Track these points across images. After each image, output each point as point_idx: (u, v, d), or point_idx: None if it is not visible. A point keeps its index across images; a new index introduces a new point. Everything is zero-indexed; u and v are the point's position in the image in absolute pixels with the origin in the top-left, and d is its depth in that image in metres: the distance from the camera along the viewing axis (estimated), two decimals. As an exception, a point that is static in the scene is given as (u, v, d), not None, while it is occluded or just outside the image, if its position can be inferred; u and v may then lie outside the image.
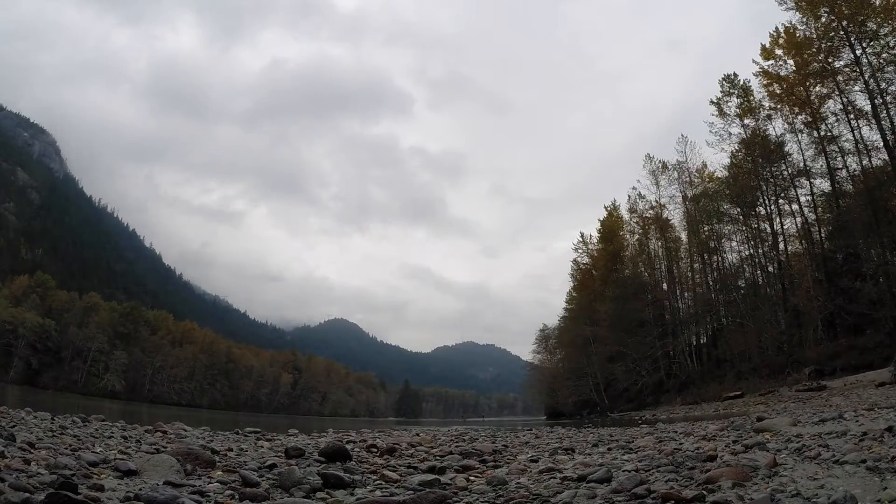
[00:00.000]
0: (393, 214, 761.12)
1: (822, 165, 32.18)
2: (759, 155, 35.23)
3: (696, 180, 44.12)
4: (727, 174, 38.68)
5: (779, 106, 34.53)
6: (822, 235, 32.97)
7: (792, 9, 31.06)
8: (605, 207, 56.03)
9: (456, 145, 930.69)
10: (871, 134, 29.10)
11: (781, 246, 35.71)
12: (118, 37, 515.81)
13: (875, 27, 27.84)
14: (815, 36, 31.00)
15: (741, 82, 37.08)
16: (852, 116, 29.93)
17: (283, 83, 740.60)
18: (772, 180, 35.29)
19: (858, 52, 28.50)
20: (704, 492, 2.91)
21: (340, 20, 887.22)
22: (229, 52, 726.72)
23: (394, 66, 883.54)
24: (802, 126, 33.21)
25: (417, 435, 9.76)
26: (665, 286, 48.18)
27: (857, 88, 29.33)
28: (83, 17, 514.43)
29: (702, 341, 42.82)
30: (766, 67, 34.17)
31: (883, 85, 27.60)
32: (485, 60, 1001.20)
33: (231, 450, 5.74)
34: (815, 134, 32.11)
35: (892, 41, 27.26)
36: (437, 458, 5.69)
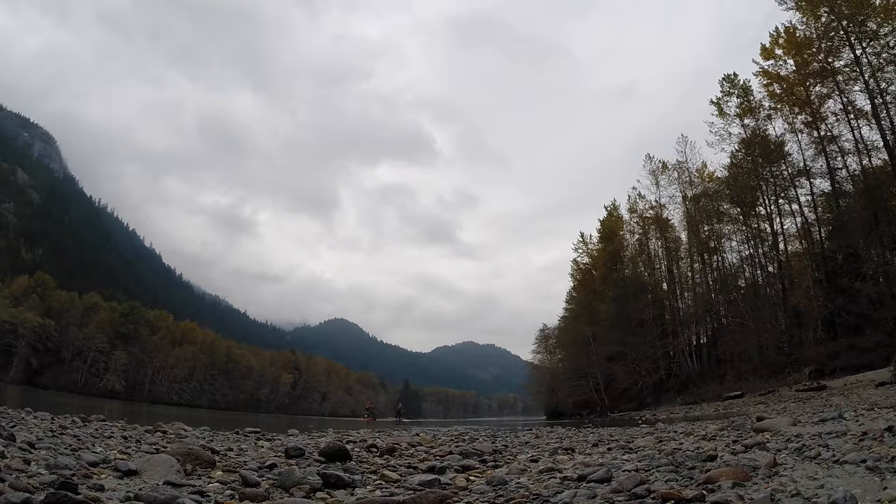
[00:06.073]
0: (396, 222, 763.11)
1: (822, 165, 32.16)
2: (759, 155, 35.17)
3: (696, 180, 44.10)
4: (727, 174, 38.66)
5: (779, 106, 34.50)
6: (822, 235, 32.91)
7: (792, 9, 31.10)
8: (605, 207, 56.00)
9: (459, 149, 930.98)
10: (871, 134, 29.12)
11: (781, 246, 35.69)
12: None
13: (875, 27, 27.80)
14: (815, 36, 30.97)
15: (741, 82, 37.11)
16: (852, 116, 29.90)
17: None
18: (772, 180, 35.25)
19: (858, 52, 28.46)
20: (704, 492, 2.91)
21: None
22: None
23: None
24: (802, 126, 33.19)
25: (417, 435, 9.76)
26: (665, 286, 48.14)
27: (857, 88, 29.33)
28: (101, 35, 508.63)
29: (702, 341, 42.78)
30: (766, 67, 34.19)
31: (883, 85, 27.56)
32: (487, 63, 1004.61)
33: (231, 450, 5.74)
34: (815, 134, 32.07)
35: (892, 41, 27.23)
36: (438, 458, 5.69)
